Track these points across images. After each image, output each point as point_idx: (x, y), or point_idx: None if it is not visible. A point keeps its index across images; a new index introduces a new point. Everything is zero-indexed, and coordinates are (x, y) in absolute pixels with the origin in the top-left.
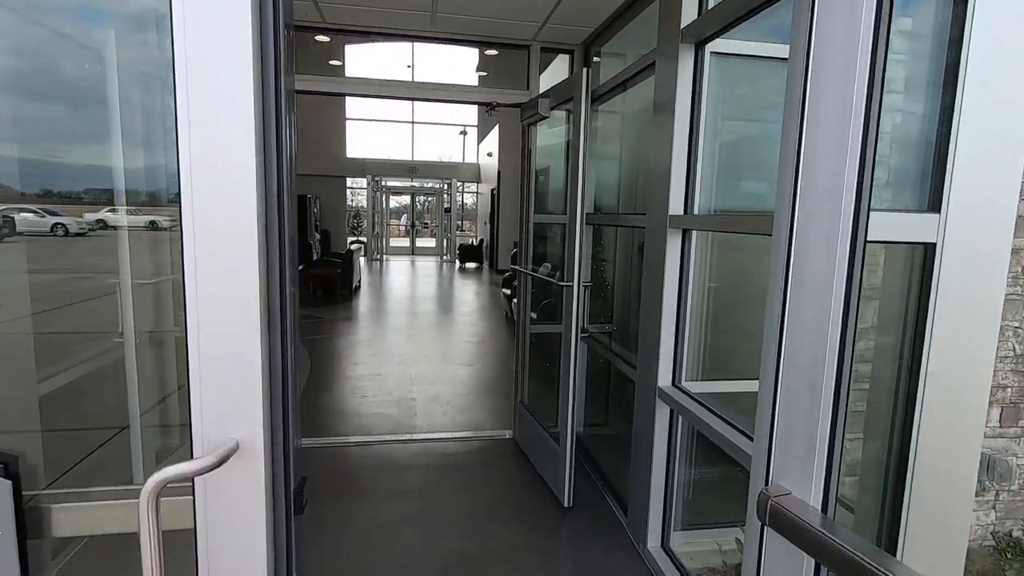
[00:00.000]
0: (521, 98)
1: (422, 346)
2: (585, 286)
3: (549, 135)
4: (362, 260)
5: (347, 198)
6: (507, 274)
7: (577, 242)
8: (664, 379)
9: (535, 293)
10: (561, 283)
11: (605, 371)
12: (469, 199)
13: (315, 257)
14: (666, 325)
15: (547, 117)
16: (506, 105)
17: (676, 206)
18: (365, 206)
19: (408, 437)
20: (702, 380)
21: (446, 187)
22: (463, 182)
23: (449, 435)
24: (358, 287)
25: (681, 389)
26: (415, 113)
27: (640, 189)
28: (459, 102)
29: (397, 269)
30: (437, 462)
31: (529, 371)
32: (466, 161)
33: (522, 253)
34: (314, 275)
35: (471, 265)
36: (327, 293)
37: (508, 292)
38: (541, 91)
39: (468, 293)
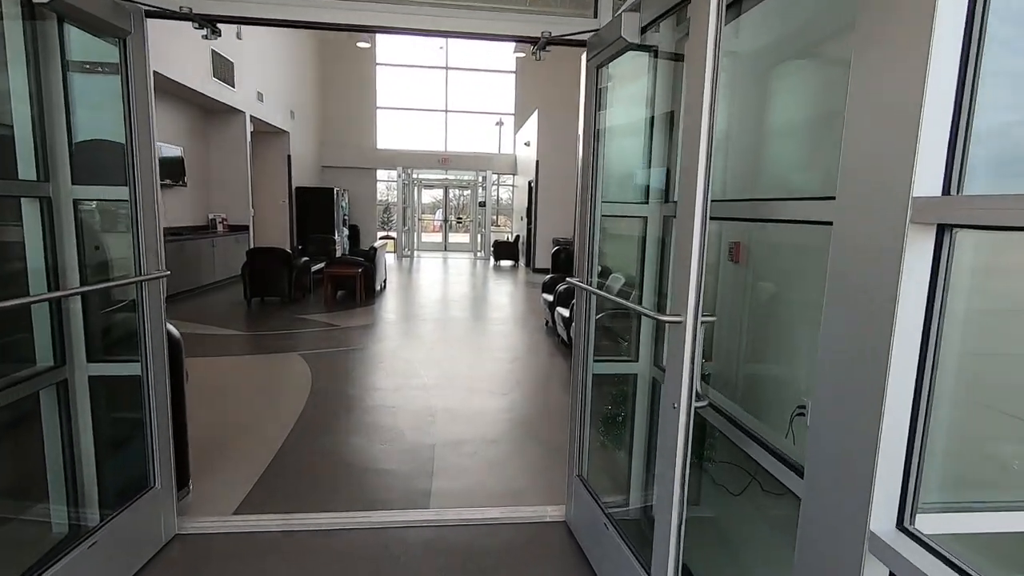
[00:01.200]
0: (586, 27)
1: (448, 365)
2: (705, 322)
3: (622, 92)
4: (391, 257)
5: (377, 191)
6: (549, 278)
7: (695, 249)
8: (882, 518)
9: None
10: (663, 318)
11: (696, 425)
12: (504, 193)
13: (338, 254)
14: (893, 410)
15: (633, 46)
16: (564, 41)
17: (927, 184)
18: (395, 200)
19: (420, 520)
20: (955, 510)
21: (480, 179)
22: (498, 174)
23: (476, 516)
24: (383, 288)
25: (918, 539)
26: (448, 101)
27: (761, 168)
28: (501, 38)
29: (428, 267)
30: (459, 565)
31: (590, 429)
32: (501, 152)
33: (583, 260)
34: (332, 275)
35: (506, 263)
36: (348, 295)
37: (550, 298)
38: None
39: (502, 295)
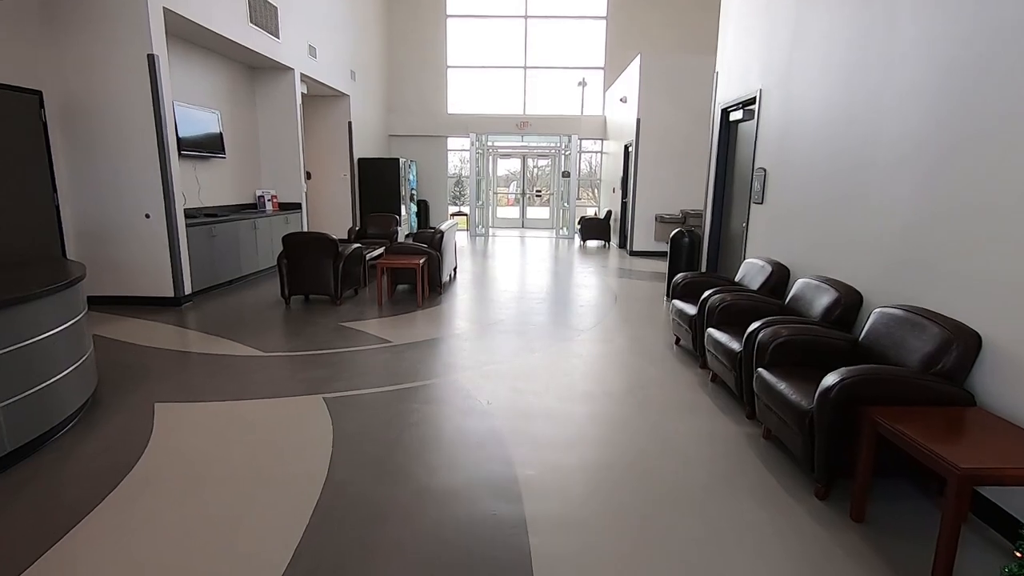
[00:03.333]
0: None
1: (546, 427)
2: None
3: None
4: (463, 236)
5: (449, 164)
6: (683, 278)
7: None
8: None
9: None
10: None
11: None
12: (585, 164)
13: (404, 234)
14: None
15: None
16: None
17: None
18: (468, 174)
19: None
20: None
21: (563, 146)
22: (583, 139)
23: None
24: (452, 278)
25: None
26: (528, 56)
27: None
28: None
29: (503, 248)
30: None
31: None
32: (586, 114)
33: None
34: (388, 267)
35: (594, 243)
36: (410, 290)
37: (690, 311)
38: None
39: (592, 290)
